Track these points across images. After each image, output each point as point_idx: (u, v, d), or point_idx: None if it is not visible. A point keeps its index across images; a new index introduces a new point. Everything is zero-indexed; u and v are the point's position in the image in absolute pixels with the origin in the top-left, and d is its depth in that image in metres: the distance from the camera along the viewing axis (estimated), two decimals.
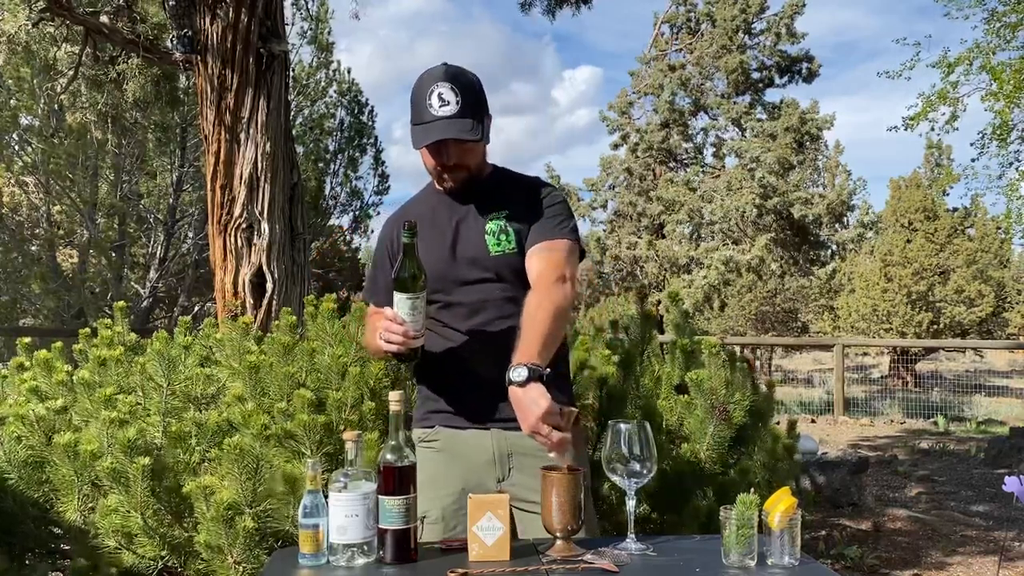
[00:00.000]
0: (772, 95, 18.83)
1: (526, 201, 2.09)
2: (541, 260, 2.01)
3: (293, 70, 11.63)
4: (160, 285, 12.37)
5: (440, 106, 1.95)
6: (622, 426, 1.74)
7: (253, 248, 4.88)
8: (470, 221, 2.08)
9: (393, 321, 1.87)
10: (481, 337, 2.01)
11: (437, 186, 2.14)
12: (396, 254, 2.08)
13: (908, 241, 19.91)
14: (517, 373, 1.78)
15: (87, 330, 3.66)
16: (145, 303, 12.11)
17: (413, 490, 1.70)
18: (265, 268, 4.87)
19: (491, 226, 2.05)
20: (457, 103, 1.95)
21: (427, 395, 2.14)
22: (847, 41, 73.13)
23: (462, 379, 2.06)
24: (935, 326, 19.28)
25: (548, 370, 1.81)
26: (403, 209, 2.24)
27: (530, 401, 1.75)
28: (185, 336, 3.18)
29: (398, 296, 1.87)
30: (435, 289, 2.04)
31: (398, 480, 1.68)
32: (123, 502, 2.37)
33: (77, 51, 6.53)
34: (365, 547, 1.67)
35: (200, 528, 2.30)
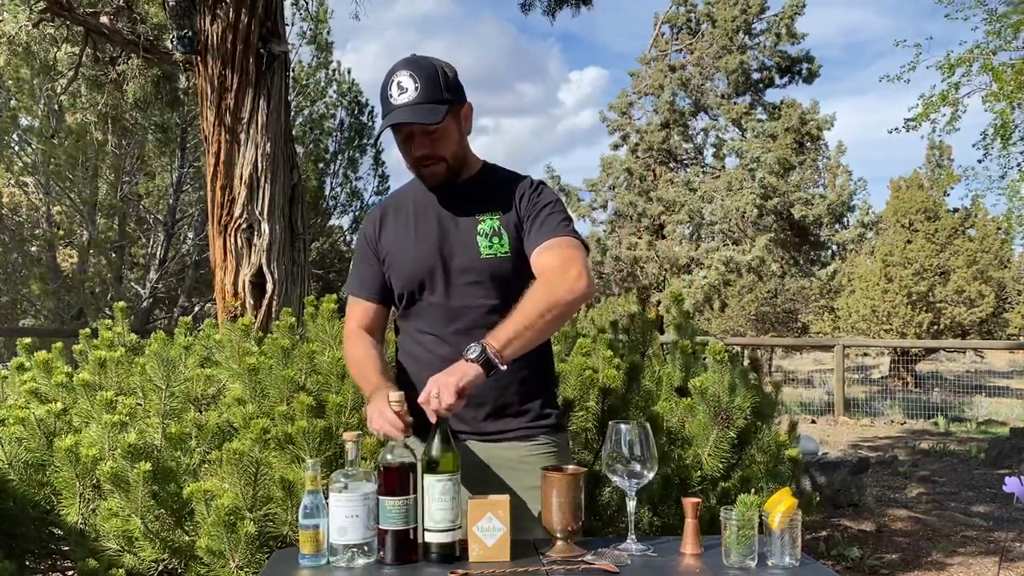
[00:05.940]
0: (772, 95, 18.82)
1: (520, 201, 2.01)
2: (552, 255, 1.93)
3: (293, 70, 11.62)
4: (160, 285, 12.37)
5: (399, 94, 1.92)
6: (622, 427, 1.74)
7: (253, 248, 4.88)
8: (460, 220, 2.00)
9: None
10: (459, 344, 1.85)
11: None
12: (378, 251, 2.07)
13: (908, 242, 19.93)
14: (472, 350, 1.76)
15: (87, 331, 3.66)
16: (145, 303, 12.10)
17: (413, 491, 1.70)
18: (265, 269, 4.86)
19: (484, 227, 1.98)
20: (416, 88, 1.90)
21: None
22: (857, 42, 72.93)
23: None
24: (935, 327, 19.30)
25: (504, 366, 1.76)
26: (386, 202, 2.16)
27: (460, 369, 1.74)
28: (185, 337, 3.18)
29: (429, 478, 1.71)
30: (416, 288, 2.00)
31: (398, 481, 1.68)
32: (124, 506, 2.36)
33: (77, 52, 6.53)
34: (365, 548, 1.67)
35: (201, 532, 2.29)
